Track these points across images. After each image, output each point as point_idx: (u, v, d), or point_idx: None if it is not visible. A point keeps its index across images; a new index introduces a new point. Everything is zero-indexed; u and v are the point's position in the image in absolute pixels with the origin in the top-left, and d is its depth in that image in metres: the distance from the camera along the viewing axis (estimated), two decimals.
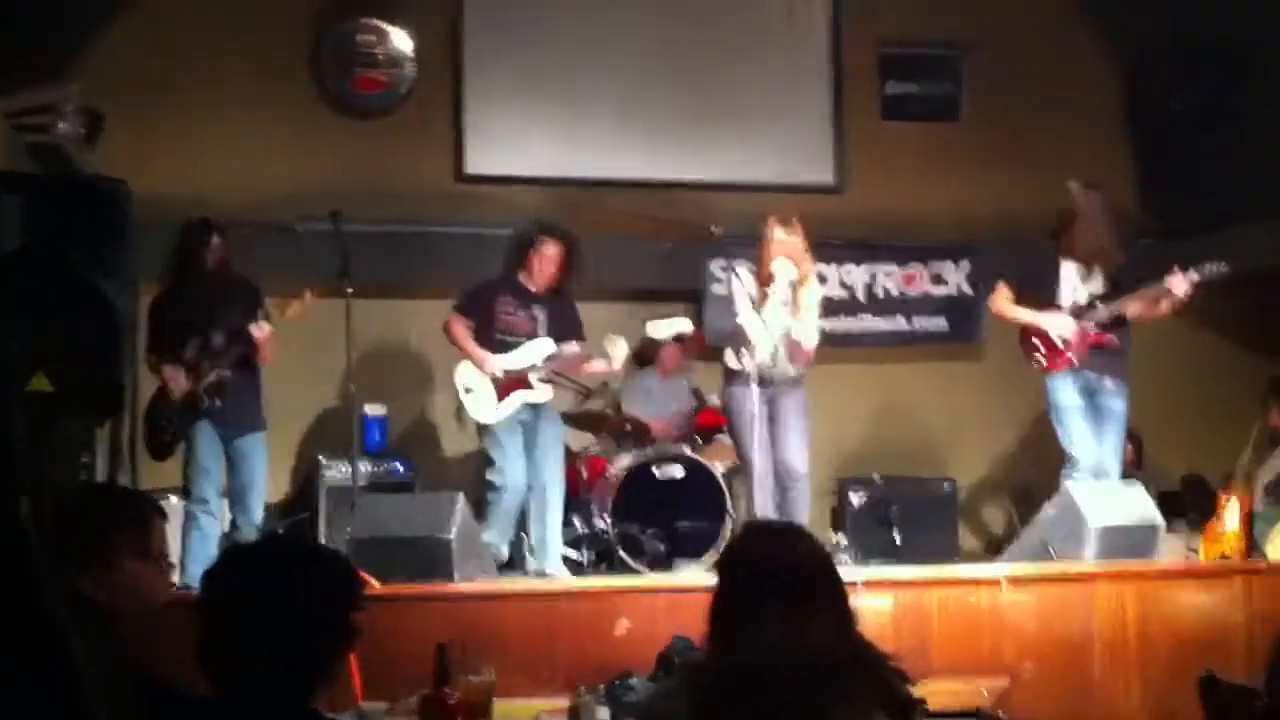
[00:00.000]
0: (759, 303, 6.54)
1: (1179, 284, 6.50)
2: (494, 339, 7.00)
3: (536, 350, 7.00)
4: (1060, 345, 6.73)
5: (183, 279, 6.65)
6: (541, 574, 6.72)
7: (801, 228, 6.65)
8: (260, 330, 6.49)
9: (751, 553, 2.76)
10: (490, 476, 6.89)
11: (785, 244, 6.53)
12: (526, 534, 7.01)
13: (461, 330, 7.04)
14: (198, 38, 8.62)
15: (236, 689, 2.30)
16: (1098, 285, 6.76)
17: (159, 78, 8.47)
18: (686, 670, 3.09)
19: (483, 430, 7.02)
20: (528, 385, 6.94)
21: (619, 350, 7.03)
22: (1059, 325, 6.72)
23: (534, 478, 6.95)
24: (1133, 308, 6.69)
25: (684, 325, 7.23)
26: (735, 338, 6.65)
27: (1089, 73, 9.82)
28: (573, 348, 7.09)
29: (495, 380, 6.92)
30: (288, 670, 2.31)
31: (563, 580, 6.60)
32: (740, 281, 6.68)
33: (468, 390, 6.98)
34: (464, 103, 9.19)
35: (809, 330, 6.56)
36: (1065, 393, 6.75)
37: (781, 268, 6.46)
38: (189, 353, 6.53)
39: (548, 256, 7.05)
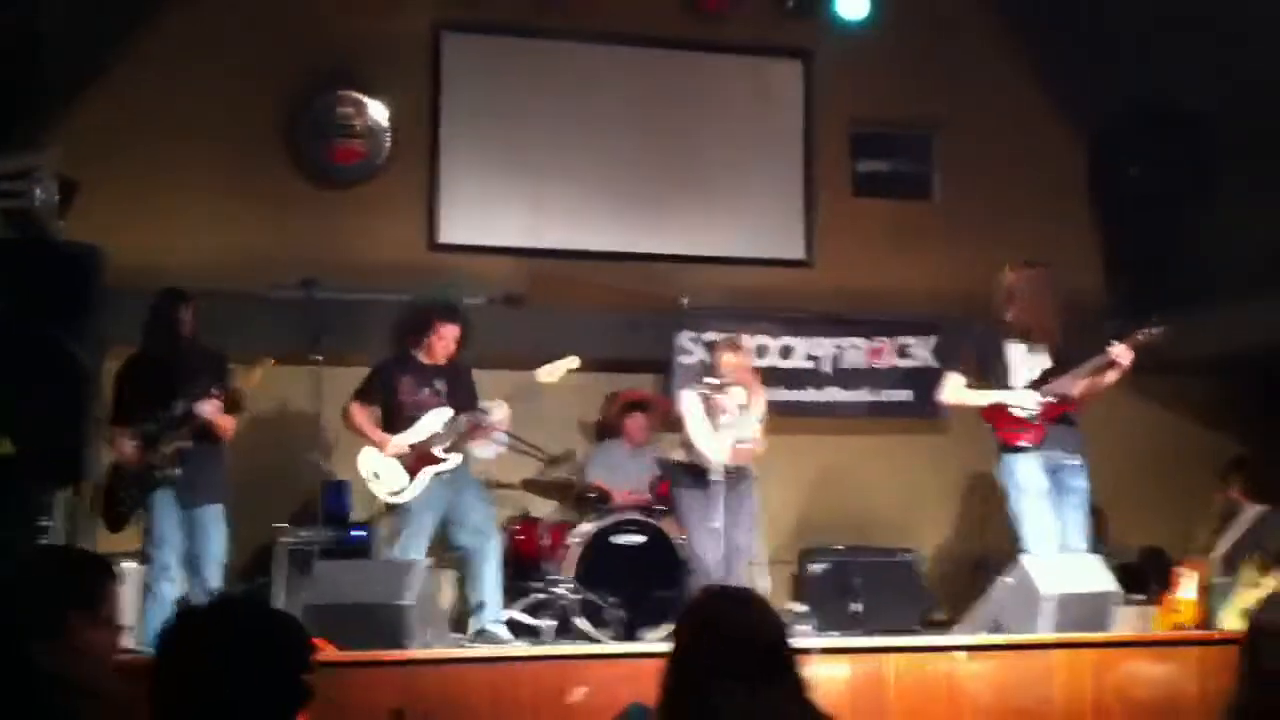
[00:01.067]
0: (710, 418, 7.00)
1: (1123, 354, 6.53)
2: (404, 417, 7.04)
3: (435, 420, 7.03)
4: (1024, 419, 6.69)
5: (150, 348, 6.67)
6: (482, 633, 6.74)
7: (746, 350, 7.37)
8: (207, 407, 6.47)
9: (706, 621, 2.80)
10: (394, 550, 6.92)
11: (733, 367, 7.06)
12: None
13: (362, 416, 7.09)
14: (173, 106, 8.73)
15: None
16: (1045, 360, 6.76)
17: (133, 145, 8.56)
18: None
19: (395, 508, 7.04)
20: (434, 459, 6.97)
21: (499, 413, 7.11)
22: (1022, 399, 6.68)
23: (466, 541, 6.99)
24: (1080, 385, 6.67)
25: (572, 363, 7.26)
26: (685, 444, 7.12)
27: (1057, 153, 10.00)
28: (473, 417, 7.11)
29: (402, 459, 6.96)
30: None
31: (522, 647, 6.60)
32: (690, 402, 7.10)
33: (375, 475, 7.00)
34: (439, 173, 9.32)
35: (752, 439, 7.03)
36: (1028, 474, 6.65)
37: (732, 393, 6.95)
38: (150, 423, 6.51)
39: (447, 338, 7.13)
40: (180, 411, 6.50)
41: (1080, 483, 6.72)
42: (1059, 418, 6.70)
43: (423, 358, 7.13)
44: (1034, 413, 6.66)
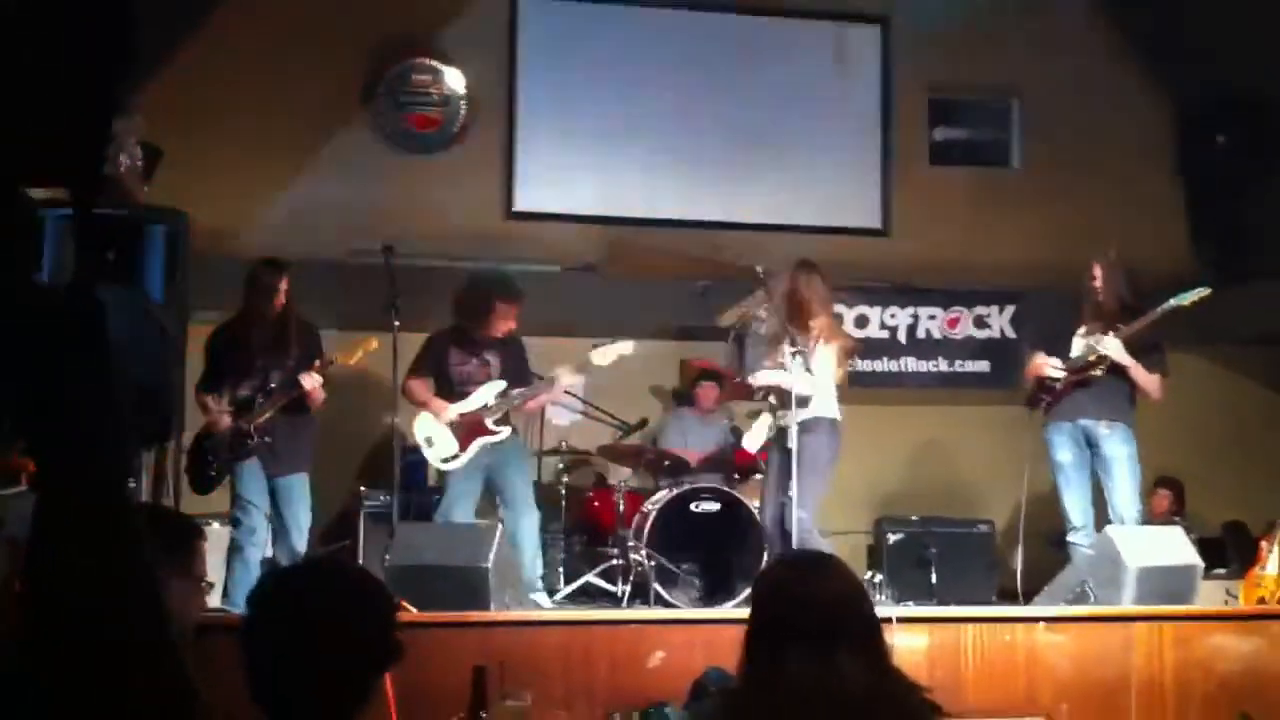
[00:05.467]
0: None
1: (1112, 346, 6.67)
2: (454, 390, 7.15)
3: (488, 391, 7.12)
4: (1050, 387, 6.90)
5: (246, 317, 6.75)
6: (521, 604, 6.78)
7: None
8: (310, 380, 6.58)
9: (782, 585, 2.80)
10: (436, 516, 7.05)
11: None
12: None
13: (420, 388, 7.20)
14: (253, 74, 8.81)
15: (281, 708, 2.33)
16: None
17: (214, 113, 8.64)
18: (721, 696, 3.13)
19: (442, 474, 7.20)
20: (486, 430, 7.07)
21: (566, 378, 7.18)
22: (1049, 367, 6.91)
23: (504, 515, 7.04)
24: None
25: (625, 349, 7.29)
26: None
27: (1139, 120, 9.84)
28: (527, 391, 7.19)
29: (454, 428, 7.06)
30: (330, 688, 2.33)
31: (599, 611, 6.65)
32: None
33: (428, 441, 7.12)
34: (515, 141, 9.34)
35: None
36: (1056, 446, 6.90)
37: None
38: (244, 391, 6.64)
39: (506, 317, 7.18)
40: (277, 383, 6.61)
41: (1118, 449, 6.75)
42: (1084, 383, 6.81)
43: (473, 330, 7.20)
44: (1055, 379, 6.84)
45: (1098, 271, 6.85)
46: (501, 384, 7.14)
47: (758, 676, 2.65)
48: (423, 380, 7.22)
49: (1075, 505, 6.81)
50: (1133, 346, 6.68)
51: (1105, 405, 6.80)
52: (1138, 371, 6.71)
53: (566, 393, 7.44)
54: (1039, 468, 8.65)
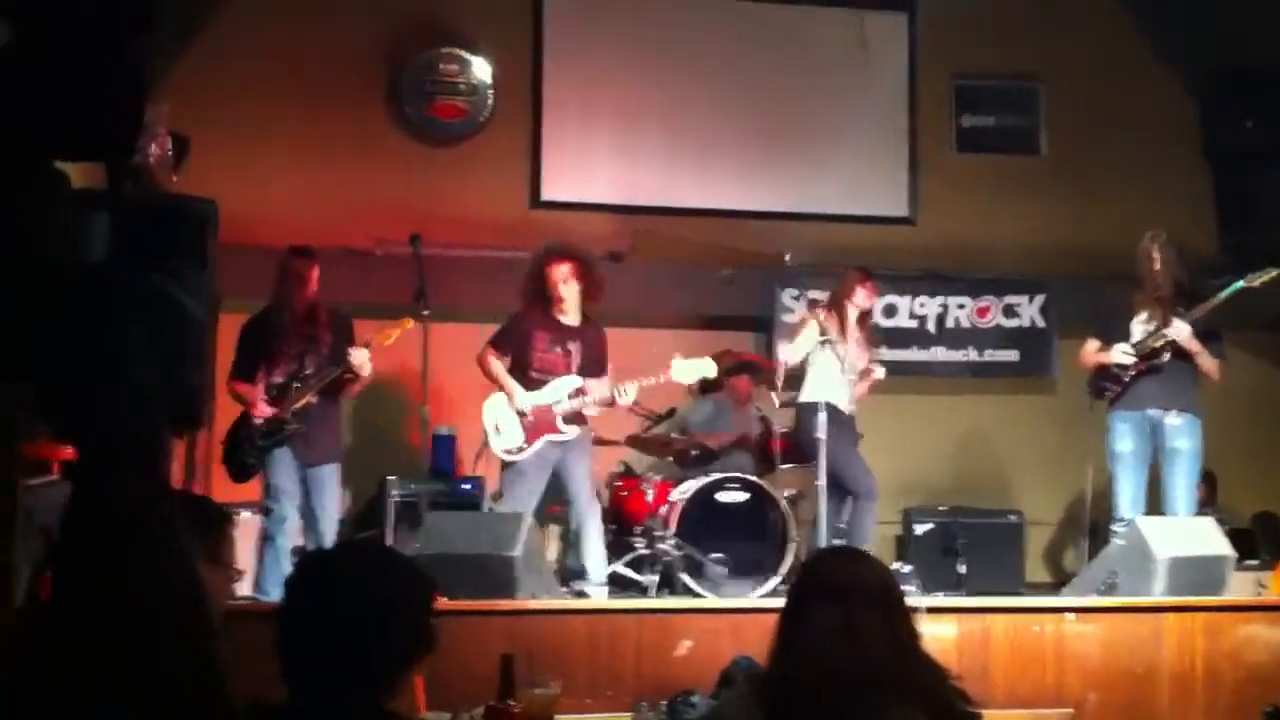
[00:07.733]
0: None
1: (1181, 332, 6.59)
2: (529, 375, 6.98)
3: (562, 387, 6.96)
4: (1116, 376, 6.79)
5: (278, 305, 6.78)
6: (581, 594, 6.78)
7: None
8: (359, 355, 6.61)
9: (815, 569, 2.85)
10: (499, 508, 6.96)
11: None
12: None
13: (496, 364, 7.03)
14: (279, 63, 8.84)
15: (314, 692, 2.33)
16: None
17: (239, 102, 8.68)
18: (750, 681, 3.15)
19: (507, 465, 7.00)
20: (554, 429, 6.90)
21: (628, 397, 6.98)
22: (1119, 353, 6.78)
23: (570, 509, 6.99)
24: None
25: (709, 369, 7.23)
26: None
27: (1166, 105, 9.78)
28: (599, 385, 7.00)
29: (523, 418, 6.89)
30: (367, 671, 2.34)
31: (626, 600, 6.66)
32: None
33: (496, 428, 6.95)
34: (541, 130, 9.34)
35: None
36: (1118, 436, 6.79)
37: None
38: (279, 378, 6.67)
39: (562, 275, 6.97)
40: (312, 369, 6.65)
41: (1183, 443, 6.65)
42: (1151, 370, 6.71)
43: (557, 313, 7.05)
44: (1126, 366, 6.70)
45: (1156, 254, 6.75)
46: (577, 380, 6.95)
47: (785, 656, 2.67)
48: (501, 356, 7.03)
49: (1127, 497, 6.72)
50: (1194, 331, 6.61)
51: (1174, 394, 6.70)
52: (1203, 357, 6.64)
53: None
54: (1072, 456, 8.67)
